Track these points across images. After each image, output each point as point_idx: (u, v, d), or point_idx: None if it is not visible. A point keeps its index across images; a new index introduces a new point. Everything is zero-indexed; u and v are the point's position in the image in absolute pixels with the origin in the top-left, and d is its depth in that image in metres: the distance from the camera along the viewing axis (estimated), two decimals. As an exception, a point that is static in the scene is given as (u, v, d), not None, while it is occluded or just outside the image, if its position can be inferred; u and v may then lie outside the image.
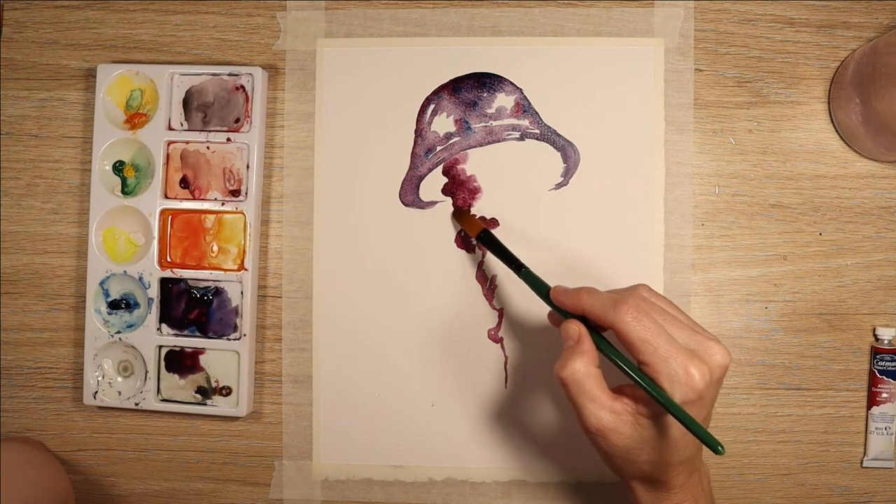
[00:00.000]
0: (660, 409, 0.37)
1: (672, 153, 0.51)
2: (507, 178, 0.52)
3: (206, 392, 0.52)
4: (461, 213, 0.51)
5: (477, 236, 0.49)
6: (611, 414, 0.37)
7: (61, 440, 0.54)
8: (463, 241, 0.52)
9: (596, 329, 0.40)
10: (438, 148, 0.52)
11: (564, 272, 0.51)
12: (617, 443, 0.38)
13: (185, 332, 0.52)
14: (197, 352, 0.52)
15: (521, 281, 0.50)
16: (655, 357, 0.36)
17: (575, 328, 0.39)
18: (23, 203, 0.54)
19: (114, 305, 0.52)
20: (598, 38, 0.52)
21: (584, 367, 0.38)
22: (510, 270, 0.50)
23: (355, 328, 0.52)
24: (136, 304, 0.52)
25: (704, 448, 0.36)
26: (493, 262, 0.52)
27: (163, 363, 0.52)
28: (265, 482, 0.53)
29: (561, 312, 0.42)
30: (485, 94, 0.52)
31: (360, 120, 0.52)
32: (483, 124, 0.52)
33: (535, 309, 0.51)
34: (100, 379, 0.52)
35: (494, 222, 0.52)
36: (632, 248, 0.51)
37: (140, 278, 0.51)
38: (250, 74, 0.51)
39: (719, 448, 0.33)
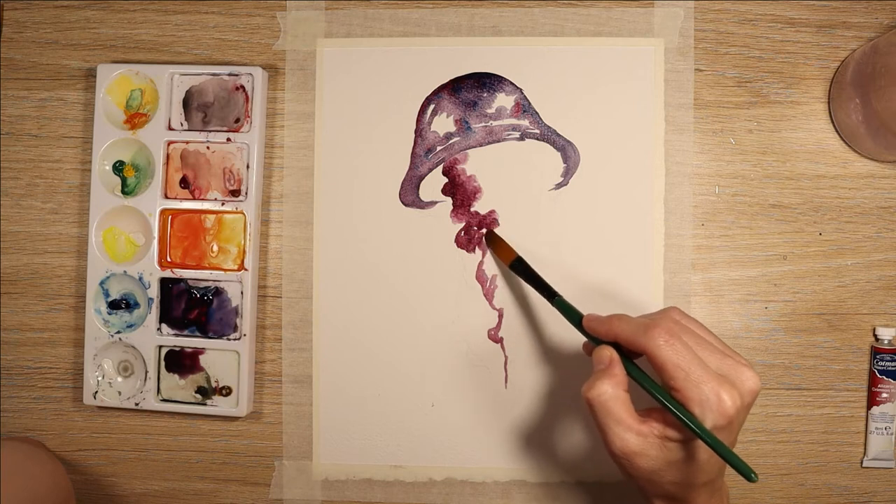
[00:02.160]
0: (689, 433, 0.37)
1: (672, 153, 0.51)
2: (507, 178, 0.52)
3: (206, 392, 0.52)
4: (494, 239, 0.51)
5: (510, 264, 0.49)
6: (637, 437, 0.37)
7: (61, 440, 0.54)
8: (463, 241, 0.52)
9: (628, 356, 0.40)
10: (438, 148, 0.52)
11: (564, 272, 0.51)
12: (642, 465, 0.38)
13: (185, 332, 0.52)
14: (197, 352, 0.52)
15: (521, 281, 0.50)
16: (687, 382, 0.36)
17: (606, 353, 0.40)
18: (23, 203, 0.54)
19: (114, 305, 0.52)
20: (598, 38, 0.52)
21: (611, 390, 0.38)
22: (511, 271, 0.50)
23: (355, 328, 0.52)
24: (136, 304, 0.52)
25: (728, 468, 0.36)
26: (494, 262, 0.52)
27: (163, 363, 0.52)
28: (265, 482, 0.53)
29: (593, 340, 0.42)
30: (485, 94, 0.52)
31: (360, 120, 0.52)
32: (483, 124, 0.52)
33: (535, 309, 0.51)
34: (100, 379, 0.52)
35: (495, 222, 0.52)
36: (632, 248, 0.51)
37: (140, 278, 0.51)
38: (250, 74, 0.51)
39: (752, 476, 0.33)
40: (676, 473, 0.38)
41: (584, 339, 0.44)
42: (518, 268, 0.48)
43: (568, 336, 0.51)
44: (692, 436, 0.37)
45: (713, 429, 0.36)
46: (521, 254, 0.49)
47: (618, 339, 0.40)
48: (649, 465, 0.37)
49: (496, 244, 0.51)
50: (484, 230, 0.52)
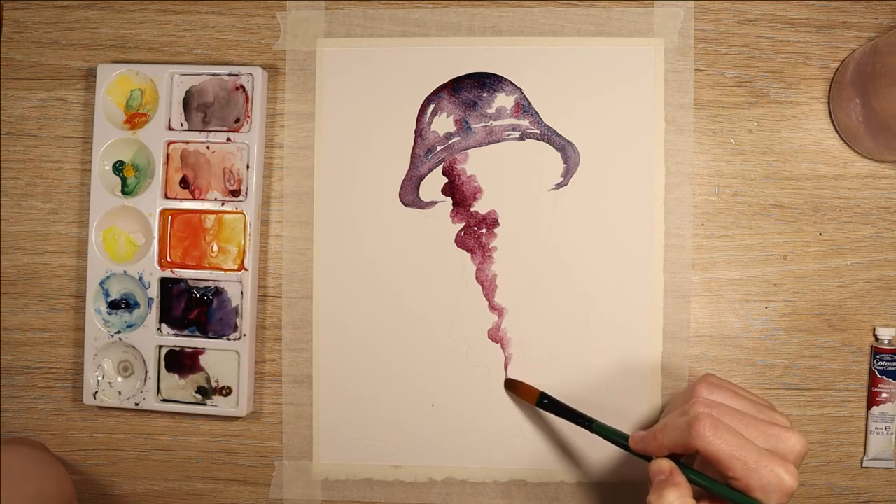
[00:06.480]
0: None
1: (672, 153, 0.51)
2: (507, 178, 0.52)
3: (206, 392, 0.52)
4: (514, 385, 0.51)
5: (537, 403, 0.48)
6: None
7: (61, 440, 0.54)
8: (463, 241, 0.52)
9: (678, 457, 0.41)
10: (438, 148, 0.52)
11: (564, 273, 0.51)
12: None
13: (185, 332, 0.52)
14: (197, 352, 0.52)
15: (521, 281, 0.50)
16: (746, 470, 0.37)
17: (665, 464, 0.40)
18: (23, 203, 0.54)
19: (114, 305, 0.52)
20: (598, 38, 0.52)
21: (679, 500, 0.38)
22: (511, 271, 0.50)
23: (355, 328, 0.52)
24: (136, 304, 0.52)
25: None
26: (494, 262, 0.52)
27: (163, 363, 0.52)
28: (265, 482, 0.53)
29: (642, 457, 0.42)
30: (485, 94, 0.52)
31: (360, 120, 0.52)
32: (483, 124, 0.52)
33: (535, 309, 0.51)
34: (100, 379, 0.52)
35: (495, 222, 0.52)
36: (632, 248, 0.51)
37: (140, 278, 0.51)
38: (250, 74, 0.51)
39: None
40: None
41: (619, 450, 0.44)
42: (546, 404, 0.48)
43: (567, 337, 0.51)
44: None
45: None
46: (519, 252, 0.49)
47: (669, 450, 0.40)
48: None
49: (517, 389, 0.51)
50: (484, 229, 0.52)
